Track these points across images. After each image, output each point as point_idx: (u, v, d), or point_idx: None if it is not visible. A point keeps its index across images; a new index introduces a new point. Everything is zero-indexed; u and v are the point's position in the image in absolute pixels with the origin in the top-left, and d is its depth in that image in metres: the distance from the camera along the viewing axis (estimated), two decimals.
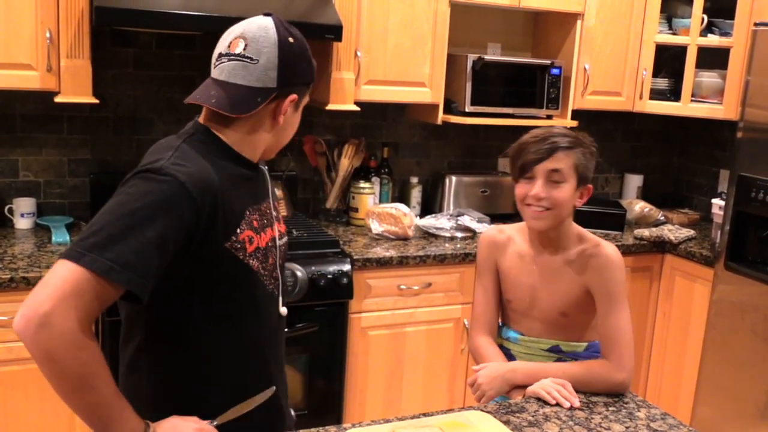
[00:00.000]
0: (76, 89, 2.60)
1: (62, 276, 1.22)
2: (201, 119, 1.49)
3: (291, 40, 1.43)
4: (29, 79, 2.58)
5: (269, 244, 1.51)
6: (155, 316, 1.43)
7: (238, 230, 1.42)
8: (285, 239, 1.61)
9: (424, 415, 1.62)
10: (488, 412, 1.66)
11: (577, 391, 1.77)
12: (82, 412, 1.28)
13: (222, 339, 1.47)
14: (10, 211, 2.94)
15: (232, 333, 1.47)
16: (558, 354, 1.93)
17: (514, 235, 1.99)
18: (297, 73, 1.45)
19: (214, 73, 1.45)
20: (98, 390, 1.26)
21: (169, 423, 1.37)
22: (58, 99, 2.61)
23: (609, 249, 1.86)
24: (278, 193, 3.13)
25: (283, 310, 1.57)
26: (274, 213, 1.57)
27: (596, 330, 1.89)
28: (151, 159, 1.38)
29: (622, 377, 1.80)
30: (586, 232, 1.92)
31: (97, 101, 2.67)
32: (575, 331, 1.92)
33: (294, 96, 1.45)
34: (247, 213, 1.45)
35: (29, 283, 2.38)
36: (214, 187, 1.36)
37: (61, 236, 2.78)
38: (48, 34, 2.56)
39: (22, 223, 2.93)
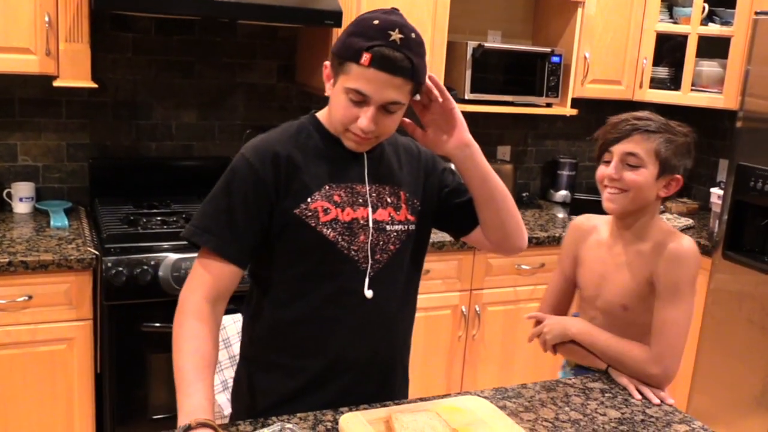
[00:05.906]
0: (75, 73, 2.60)
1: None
2: None
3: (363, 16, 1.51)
4: (28, 63, 2.58)
5: (360, 221, 1.57)
6: (254, 274, 1.64)
7: (309, 199, 1.53)
8: (399, 227, 1.62)
9: (421, 400, 1.63)
10: (484, 397, 1.67)
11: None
12: None
13: (297, 302, 1.58)
14: (9, 195, 2.95)
15: (308, 295, 1.57)
16: None
17: (600, 224, 1.96)
18: (337, 45, 1.50)
19: None
20: (175, 353, 1.44)
21: None
22: (56, 83, 2.61)
23: (685, 241, 1.77)
24: None
25: (368, 293, 1.59)
26: (382, 198, 1.61)
27: (652, 321, 1.79)
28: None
29: (655, 371, 1.75)
30: (673, 229, 1.83)
31: (96, 86, 2.67)
32: (635, 333, 1.83)
33: (326, 63, 1.54)
34: (327, 186, 1.55)
35: (27, 267, 2.39)
36: (278, 159, 1.52)
37: (59, 221, 2.78)
38: (47, 18, 2.55)
39: (21, 208, 2.93)
